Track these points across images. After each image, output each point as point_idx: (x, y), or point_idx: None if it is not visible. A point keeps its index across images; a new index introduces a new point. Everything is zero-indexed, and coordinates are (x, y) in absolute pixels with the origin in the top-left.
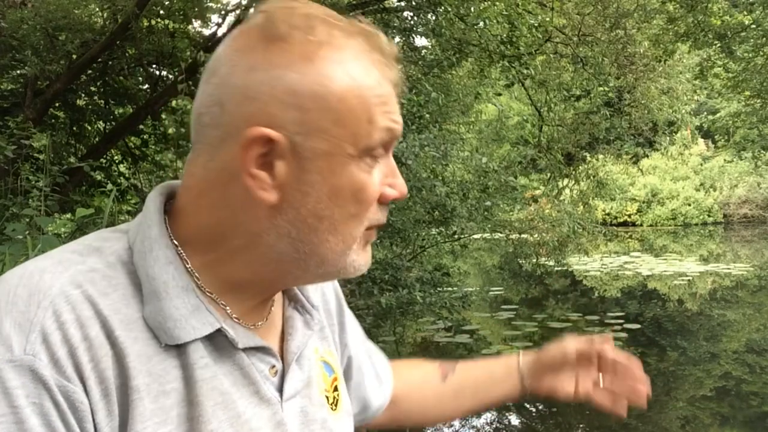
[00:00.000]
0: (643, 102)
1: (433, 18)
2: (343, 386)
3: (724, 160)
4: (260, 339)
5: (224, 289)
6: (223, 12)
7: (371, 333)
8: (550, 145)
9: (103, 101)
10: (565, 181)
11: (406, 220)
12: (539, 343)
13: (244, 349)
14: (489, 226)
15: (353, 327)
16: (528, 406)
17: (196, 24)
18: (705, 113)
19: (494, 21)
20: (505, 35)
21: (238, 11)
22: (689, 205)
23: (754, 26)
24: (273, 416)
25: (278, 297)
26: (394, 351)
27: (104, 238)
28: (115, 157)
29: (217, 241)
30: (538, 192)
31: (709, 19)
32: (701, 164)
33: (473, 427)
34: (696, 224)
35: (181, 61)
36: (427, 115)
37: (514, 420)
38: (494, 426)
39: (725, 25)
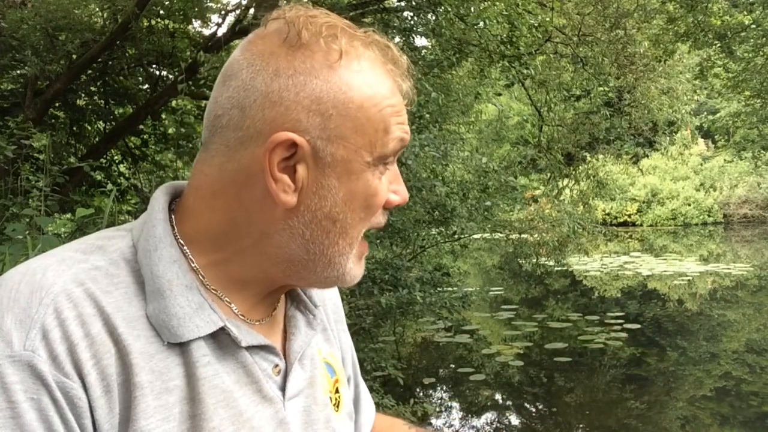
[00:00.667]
0: (643, 102)
1: (433, 18)
2: (345, 388)
3: (724, 160)
4: (263, 337)
5: (230, 287)
6: (223, 12)
7: (371, 333)
8: (550, 145)
9: (103, 101)
10: (565, 181)
11: (406, 220)
12: (539, 343)
13: (248, 348)
14: (489, 226)
15: (347, 344)
16: (528, 406)
17: (196, 24)
18: (705, 113)
19: (494, 21)
20: (505, 35)
21: (238, 11)
22: (689, 205)
23: (754, 26)
24: (275, 415)
25: (281, 297)
26: (394, 351)
27: (108, 236)
28: (115, 157)
29: (227, 240)
30: (538, 192)
31: (709, 19)
32: (701, 164)
33: (473, 427)
34: (696, 224)
35: (181, 61)
36: (427, 115)
37: (514, 420)
38: (494, 426)
39: (725, 25)
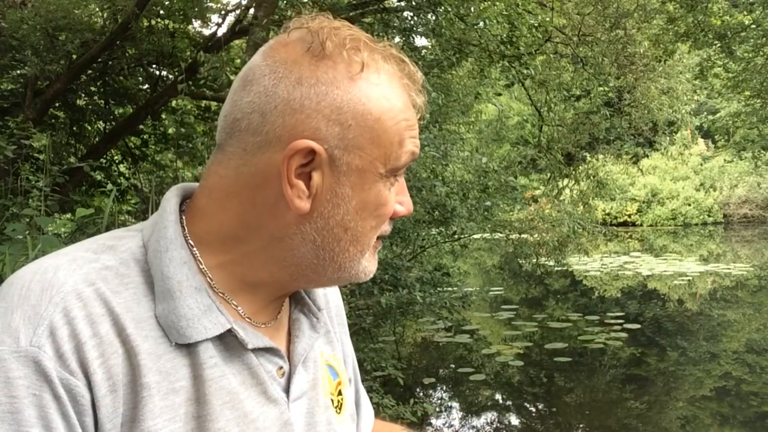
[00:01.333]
0: (643, 102)
1: (433, 18)
2: (347, 391)
3: (724, 160)
4: (269, 340)
5: (237, 289)
6: (223, 12)
7: (371, 333)
8: (550, 145)
9: (103, 101)
10: (565, 181)
11: (406, 220)
12: (539, 343)
13: (253, 350)
14: (489, 226)
15: (348, 348)
16: (528, 406)
17: (196, 24)
18: (705, 113)
19: (494, 21)
20: (505, 35)
21: (238, 11)
22: (689, 205)
23: (754, 26)
24: (280, 416)
25: (286, 300)
26: (394, 351)
27: (118, 236)
28: (115, 157)
29: (237, 242)
30: (538, 192)
31: (709, 19)
32: (701, 164)
33: (473, 427)
34: (696, 224)
35: (181, 61)
36: (427, 115)
37: (514, 420)
38: (494, 426)
39: (725, 25)
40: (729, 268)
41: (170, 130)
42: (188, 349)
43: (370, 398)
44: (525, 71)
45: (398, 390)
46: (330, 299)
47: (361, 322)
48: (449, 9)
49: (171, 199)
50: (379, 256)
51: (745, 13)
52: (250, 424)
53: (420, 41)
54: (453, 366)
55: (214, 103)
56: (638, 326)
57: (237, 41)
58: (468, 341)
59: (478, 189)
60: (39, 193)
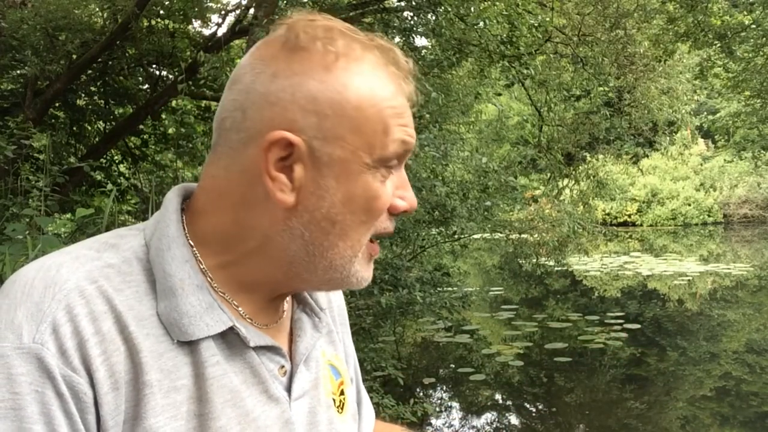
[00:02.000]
0: (643, 102)
1: (433, 18)
2: (349, 390)
3: (724, 160)
4: (270, 338)
5: (236, 289)
6: (223, 12)
7: (371, 333)
8: (550, 145)
9: (103, 101)
10: (565, 181)
11: (406, 220)
12: (539, 343)
13: (255, 348)
14: (489, 226)
15: (350, 348)
16: (528, 406)
17: (196, 24)
18: (705, 113)
19: (494, 21)
20: (505, 35)
21: (238, 11)
22: (689, 205)
23: (754, 26)
24: (281, 415)
25: (288, 299)
26: (394, 351)
27: (121, 235)
28: (115, 157)
29: (233, 242)
30: (538, 192)
31: (709, 19)
32: (701, 164)
33: (473, 427)
34: (696, 224)
35: (181, 61)
36: (427, 115)
37: (514, 420)
38: (494, 426)
39: (725, 25)
40: (729, 268)
41: (170, 130)
42: (190, 347)
43: (370, 398)
44: (525, 71)
45: (398, 390)
46: (332, 299)
47: (361, 322)
48: (449, 9)
49: (173, 199)
50: (379, 256)
51: (745, 13)
52: (251, 423)
53: (420, 41)
54: (453, 366)
55: (214, 103)
56: (638, 326)
57: (237, 41)
58: (468, 341)
59: (478, 189)
60: (39, 193)
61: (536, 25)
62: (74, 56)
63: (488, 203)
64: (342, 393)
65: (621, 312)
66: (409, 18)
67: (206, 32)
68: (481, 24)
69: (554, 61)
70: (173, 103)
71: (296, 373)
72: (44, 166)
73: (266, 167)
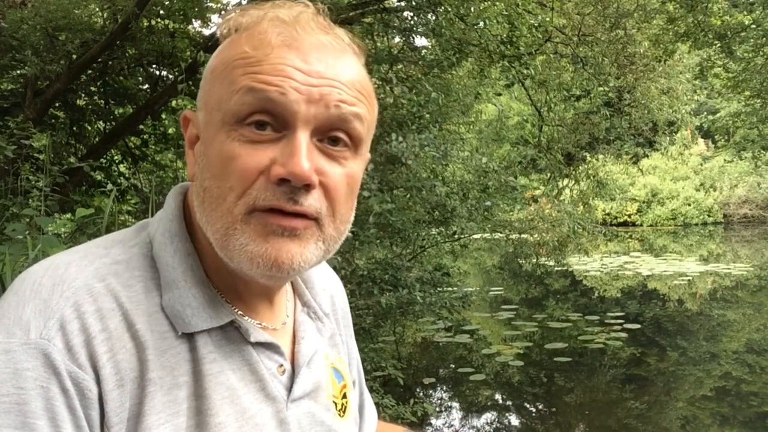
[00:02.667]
0: (643, 102)
1: (433, 18)
2: (351, 394)
3: (724, 160)
4: (270, 336)
5: (231, 286)
6: (223, 12)
7: (371, 333)
8: (550, 145)
9: (103, 101)
10: (565, 181)
11: (406, 220)
12: (539, 343)
13: (254, 345)
14: (489, 226)
15: (353, 351)
16: (528, 406)
17: (196, 24)
18: (705, 113)
19: (494, 21)
20: (505, 35)
21: (237, 11)
22: (689, 205)
23: (754, 26)
24: (276, 414)
25: (291, 302)
26: (394, 351)
27: (126, 231)
28: (115, 157)
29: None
30: (538, 192)
31: (709, 19)
32: (701, 164)
33: (473, 427)
34: (696, 224)
35: (181, 61)
36: (427, 115)
37: (514, 420)
38: (494, 426)
39: (725, 25)
40: (729, 268)
41: (170, 130)
42: (190, 343)
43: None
44: (525, 71)
45: (398, 390)
46: (336, 302)
47: (361, 322)
48: (449, 9)
49: (175, 197)
50: (379, 256)
51: (745, 13)
52: (249, 420)
53: (420, 41)
54: (453, 366)
55: None
56: (638, 326)
57: None
58: (468, 341)
59: (478, 189)
60: (39, 193)
61: (536, 25)
62: (74, 56)
63: (488, 203)
64: (344, 396)
65: (621, 312)
66: (409, 18)
67: (206, 32)
68: (481, 24)
69: (554, 61)
70: (173, 103)
71: (298, 375)
72: (44, 166)
73: (186, 146)
